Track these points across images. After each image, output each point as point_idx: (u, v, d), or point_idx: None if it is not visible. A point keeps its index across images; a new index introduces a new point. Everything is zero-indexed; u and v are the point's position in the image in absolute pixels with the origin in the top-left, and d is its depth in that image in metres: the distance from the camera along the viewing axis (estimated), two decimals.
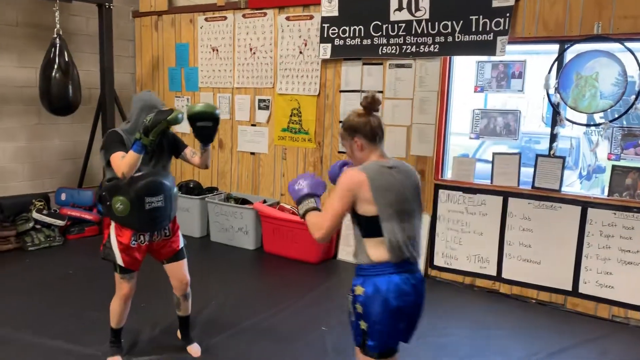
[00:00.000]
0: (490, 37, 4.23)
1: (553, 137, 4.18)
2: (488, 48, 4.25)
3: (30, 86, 5.53)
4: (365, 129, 2.15)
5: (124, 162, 2.71)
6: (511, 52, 4.27)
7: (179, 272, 3.11)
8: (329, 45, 4.99)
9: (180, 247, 3.12)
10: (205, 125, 2.88)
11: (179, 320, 3.29)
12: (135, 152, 2.69)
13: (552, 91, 4.11)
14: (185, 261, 3.13)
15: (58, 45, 5.06)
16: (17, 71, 5.49)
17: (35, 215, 5.27)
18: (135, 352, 3.22)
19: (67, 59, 5.11)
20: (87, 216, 5.68)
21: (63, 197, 5.75)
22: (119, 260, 2.89)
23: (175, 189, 3.08)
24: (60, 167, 5.99)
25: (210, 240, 5.66)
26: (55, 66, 5.04)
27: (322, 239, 2.14)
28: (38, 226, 5.28)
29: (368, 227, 2.09)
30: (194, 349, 3.25)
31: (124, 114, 6.02)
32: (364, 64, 4.91)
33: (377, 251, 2.07)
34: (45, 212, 5.34)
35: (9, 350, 3.21)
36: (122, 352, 3.15)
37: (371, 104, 2.17)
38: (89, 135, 5.84)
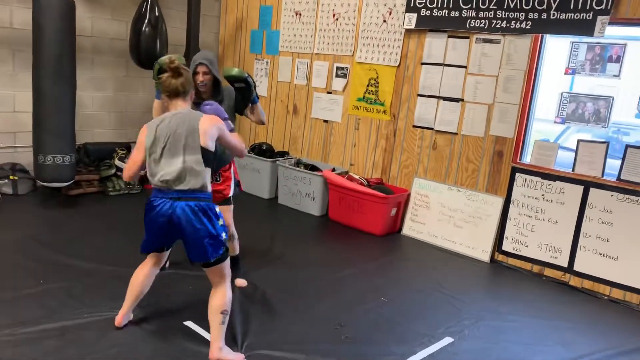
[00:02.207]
0: (589, 16, 3.97)
1: None
2: (586, 28, 3.99)
3: (120, 39, 5.79)
4: (164, 88, 2.70)
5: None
6: (609, 37, 3.98)
7: (223, 215, 3.34)
8: (415, 15, 4.87)
9: (229, 195, 3.48)
10: (240, 86, 3.36)
11: None
12: (155, 98, 3.15)
13: None
14: (229, 208, 3.49)
15: (149, 0, 5.23)
16: (110, 24, 5.75)
17: (117, 162, 5.58)
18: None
19: (157, 14, 5.29)
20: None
21: None
22: None
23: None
24: (143, 118, 6.25)
25: (277, 203, 5.78)
26: (146, 21, 5.23)
27: (125, 178, 2.76)
28: (119, 173, 5.58)
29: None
30: (239, 282, 3.64)
31: None
32: (449, 36, 4.76)
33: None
34: (126, 160, 5.63)
35: (95, 280, 3.46)
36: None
37: (173, 70, 2.68)
38: None
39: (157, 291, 3.42)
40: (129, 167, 2.73)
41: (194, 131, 2.59)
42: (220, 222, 2.67)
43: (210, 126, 2.63)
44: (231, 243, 3.59)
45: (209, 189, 2.68)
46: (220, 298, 2.69)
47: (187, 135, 2.59)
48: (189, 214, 2.57)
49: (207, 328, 2.98)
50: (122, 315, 2.94)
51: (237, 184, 3.63)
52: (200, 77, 3.24)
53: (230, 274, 2.79)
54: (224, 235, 2.67)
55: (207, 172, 2.65)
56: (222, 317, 2.68)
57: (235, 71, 3.33)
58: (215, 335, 2.69)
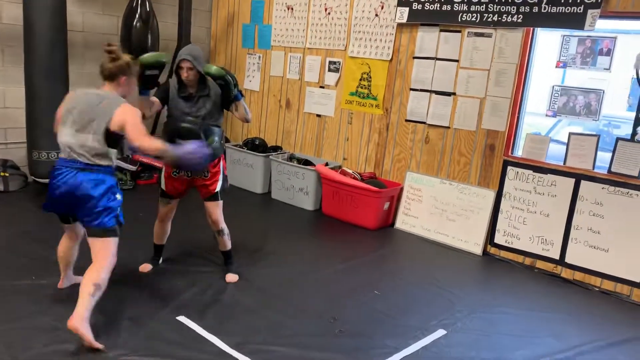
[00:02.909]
0: (580, 9, 3.99)
1: (638, 121, 3.94)
2: (576, 21, 4.01)
3: (111, 34, 5.74)
4: (100, 69, 2.86)
5: None
6: (600, 30, 4.00)
7: (211, 211, 3.50)
8: (407, 9, 4.87)
9: (216, 191, 3.47)
10: (220, 83, 3.34)
11: (221, 253, 3.72)
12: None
13: None
14: (217, 203, 3.50)
15: None
16: (101, 19, 5.71)
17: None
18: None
19: (148, 9, 5.26)
20: (157, 163, 5.90)
21: None
22: (163, 185, 3.50)
23: (216, 138, 3.39)
24: None
25: (271, 198, 5.78)
26: (137, 16, 5.20)
27: None
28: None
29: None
30: (229, 277, 3.65)
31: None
32: (441, 30, 4.77)
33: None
34: (119, 157, 5.60)
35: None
36: (154, 264, 3.71)
37: (109, 55, 2.83)
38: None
39: (150, 286, 3.43)
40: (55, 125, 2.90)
41: (104, 114, 2.71)
42: (118, 196, 2.84)
43: (122, 114, 2.73)
44: (221, 238, 3.60)
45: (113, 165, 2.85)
46: (97, 271, 2.73)
47: (92, 114, 2.72)
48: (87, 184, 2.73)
49: (202, 324, 2.99)
50: (62, 279, 3.24)
51: (225, 179, 3.60)
52: (184, 73, 3.27)
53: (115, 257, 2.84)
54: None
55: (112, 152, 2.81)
56: (94, 289, 2.68)
57: (213, 69, 3.32)
58: (81, 303, 2.65)
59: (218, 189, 3.49)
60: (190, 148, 2.84)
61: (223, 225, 3.56)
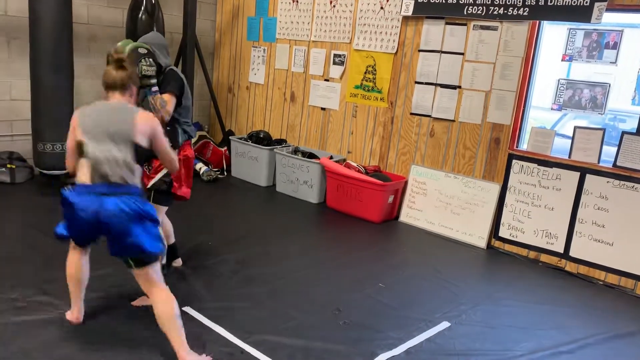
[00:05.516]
0: (586, 2, 3.96)
1: None
2: (583, 14, 3.99)
3: (117, 26, 5.75)
4: (103, 79, 2.62)
5: None
6: (606, 23, 3.97)
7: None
8: (412, 1, 4.85)
9: (148, 185, 3.18)
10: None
11: None
12: None
13: None
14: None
15: None
16: (106, 11, 5.71)
17: None
18: None
19: (153, 2, 5.26)
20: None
21: None
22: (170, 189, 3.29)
23: None
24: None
25: (275, 191, 5.79)
26: (142, 8, 5.20)
27: (67, 170, 2.67)
28: None
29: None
30: (176, 262, 3.62)
31: (203, 59, 6.17)
32: (446, 23, 4.75)
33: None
34: None
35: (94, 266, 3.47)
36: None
37: (116, 63, 2.61)
38: None
39: None
40: (67, 157, 2.60)
41: (126, 124, 2.47)
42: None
43: (144, 123, 2.51)
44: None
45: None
46: (170, 301, 2.50)
47: (117, 129, 2.46)
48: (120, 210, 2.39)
49: (207, 315, 3.01)
50: (77, 309, 2.79)
51: (166, 183, 3.25)
52: None
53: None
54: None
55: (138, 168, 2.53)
56: (179, 321, 2.50)
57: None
58: (178, 343, 2.48)
59: (150, 184, 3.20)
60: None
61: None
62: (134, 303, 3.09)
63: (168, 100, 3.11)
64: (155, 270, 2.50)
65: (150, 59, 3.06)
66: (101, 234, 2.48)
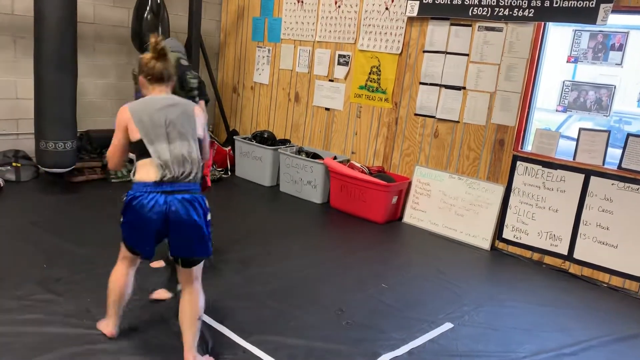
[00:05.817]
0: (592, 3, 3.95)
1: None
2: (588, 16, 3.98)
3: (123, 26, 5.77)
4: (147, 70, 2.47)
5: None
6: (612, 25, 3.96)
7: None
8: (417, 2, 4.85)
9: (209, 183, 3.31)
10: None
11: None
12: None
13: None
14: None
15: None
16: (112, 10, 5.73)
17: None
18: None
19: (158, 2, 5.28)
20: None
21: None
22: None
23: None
24: None
25: (279, 190, 5.80)
26: (148, 7, 5.22)
27: (111, 166, 2.62)
28: None
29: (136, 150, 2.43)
30: (156, 264, 3.47)
31: (208, 59, 6.18)
32: (451, 24, 4.75)
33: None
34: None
35: (97, 266, 3.49)
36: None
37: (159, 52, 2.47)
38: None
39: (161, 276, 3.45)
40: (113, 153, 2.49)
41: (190, 118, 2.46)
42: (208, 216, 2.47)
43: (201, 116, 2.54)
44: None
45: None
46: (200, 301, 2.49)
47: (183, 122, 2.43)
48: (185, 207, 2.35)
49: (210, 314, 3.02)
50: (114, 323, 2.68)
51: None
52: None
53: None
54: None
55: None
56: (199, 324, 2.50)
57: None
58: (190, 343, 2.47)
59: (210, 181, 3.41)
60: None
61: None
62: (152, 295, 3.13)
63: (204, 108, 3.27)
64: (200, 268, 2.51)
65: (193, 72, 3.19)
66: (165, 236, 2.40)
